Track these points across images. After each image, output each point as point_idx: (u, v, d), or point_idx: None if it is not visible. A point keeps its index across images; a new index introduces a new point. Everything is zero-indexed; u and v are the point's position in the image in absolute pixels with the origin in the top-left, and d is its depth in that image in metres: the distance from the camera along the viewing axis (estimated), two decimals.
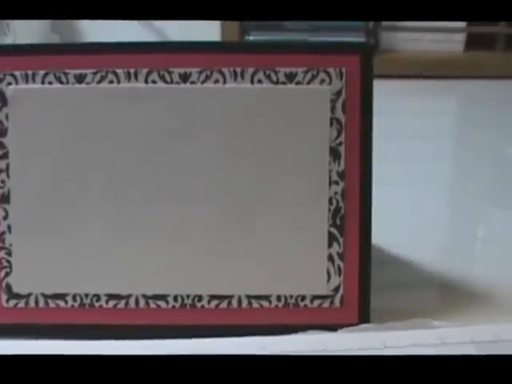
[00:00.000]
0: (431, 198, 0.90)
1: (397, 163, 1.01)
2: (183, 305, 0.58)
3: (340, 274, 0.58)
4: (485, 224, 0.85)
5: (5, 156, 0.57)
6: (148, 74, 0.57)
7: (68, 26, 1.39)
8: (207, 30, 1.19)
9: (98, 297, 0.58)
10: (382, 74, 1.25)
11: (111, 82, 0.57)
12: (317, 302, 0.58)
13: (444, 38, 1.52)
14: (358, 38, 1.36)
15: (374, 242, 0.59)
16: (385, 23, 1.49)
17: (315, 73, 0.57)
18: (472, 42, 1.54)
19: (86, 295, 0.58)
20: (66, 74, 0.57)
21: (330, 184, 0.57)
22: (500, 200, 0.91)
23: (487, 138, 1.17)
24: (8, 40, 1.07)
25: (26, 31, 1.13)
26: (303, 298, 0.58)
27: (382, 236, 0.64)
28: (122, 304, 0.58)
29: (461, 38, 1.54)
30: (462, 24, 1.52)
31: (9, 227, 0.58)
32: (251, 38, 1.29)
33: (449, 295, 0.65)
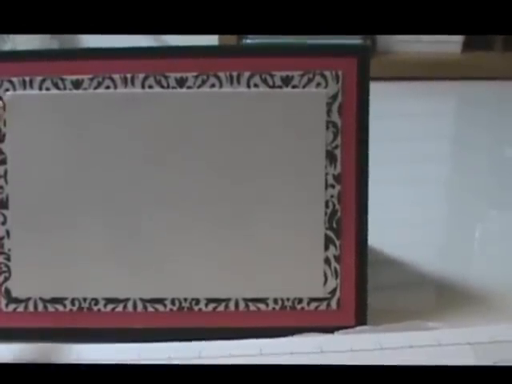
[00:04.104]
0: (430, 199, 0.91)
1: (395, 164, 1.01)
2: (181, 308, 0.58)
3: (337, 277, 0.58)
4: (482, 225, 0.85)
5: (3, 162, 0.58)
6: (144, 79, 0.57)
7: None
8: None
9: (96, 301, 0.58)
10: (380, 75, 1.25)
11: (108, 87, 0.57)
12: (314, 305, 0.58)
13: (441, 39, 1.52)
14: (356, 40, 1.36)
15: (372, 243, 0.59)
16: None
17: (311, 76, 0.57)
18: (470, 43, 1.54)
19: (85, 299, 0.58)
20: (63, 80, 0.57)
21: (326, 187, 0.58)
22: (498, 201, 0.91)
23: (486, 138, 1.17)
24: (7, 46, 1.07)
25: (25, 37, 1.12)
26: (300, 300, 0.58)
27: (380, 237, 0.64)
28: (120, 308, 0.58)
29: (458, 38, 1.53)
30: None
31: (7, 232, 0.58)
32: (248, 40, 1.29)
33: (446, 296, 0.65)
